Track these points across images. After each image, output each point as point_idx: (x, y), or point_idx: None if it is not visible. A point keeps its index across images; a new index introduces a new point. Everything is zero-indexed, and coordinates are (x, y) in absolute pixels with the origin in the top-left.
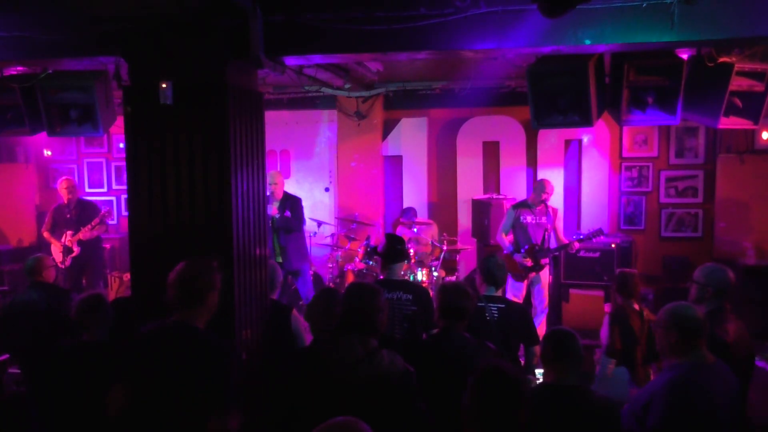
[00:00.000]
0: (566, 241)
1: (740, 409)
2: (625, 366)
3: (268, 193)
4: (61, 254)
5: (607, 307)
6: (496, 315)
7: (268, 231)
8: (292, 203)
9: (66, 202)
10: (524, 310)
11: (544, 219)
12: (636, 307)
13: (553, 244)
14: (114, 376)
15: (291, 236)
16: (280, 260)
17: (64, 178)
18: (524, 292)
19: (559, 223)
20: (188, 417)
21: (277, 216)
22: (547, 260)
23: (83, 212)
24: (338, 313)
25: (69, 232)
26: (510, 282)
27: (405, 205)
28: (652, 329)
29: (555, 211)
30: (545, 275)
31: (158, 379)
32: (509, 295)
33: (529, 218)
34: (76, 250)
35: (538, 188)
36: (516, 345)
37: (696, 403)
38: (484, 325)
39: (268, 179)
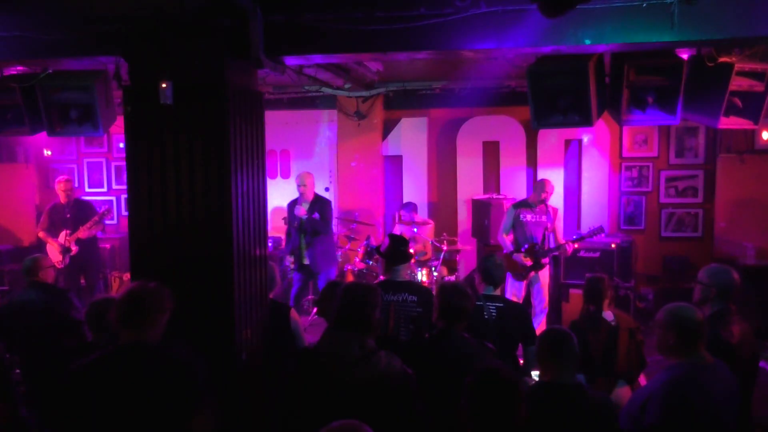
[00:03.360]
0: (562, 241)
1: (741, 409)
2: (583, 375)
3: (298, 195)
4: (59, 254)
5: None
6: (494, 314)
7: (294, 232)
8: (322, 205)
9: (63, 201)
10: (523, 310)
11: (544, 218)
12: (606, 315)
13: (553, 244)
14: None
15: (318, 239)
16: (307, 262)
17: (62, 177)
18: (524, 292)
19: (559, 223)
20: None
21: (305, 217)
22: (547, 259)
23: (80, 212)
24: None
25: (66, 231)
26: (510, 281)
27: None
28: (617, 338)
29: (555, 210)
30: (545, 275)
31: (123, 405)
32: (509, 295)
33: (529, 217)
34: (74, 249)
35: (538, 188)
36: (514, 344)
37: (694, 403)
38: (482, 324)
39: (297, 181)
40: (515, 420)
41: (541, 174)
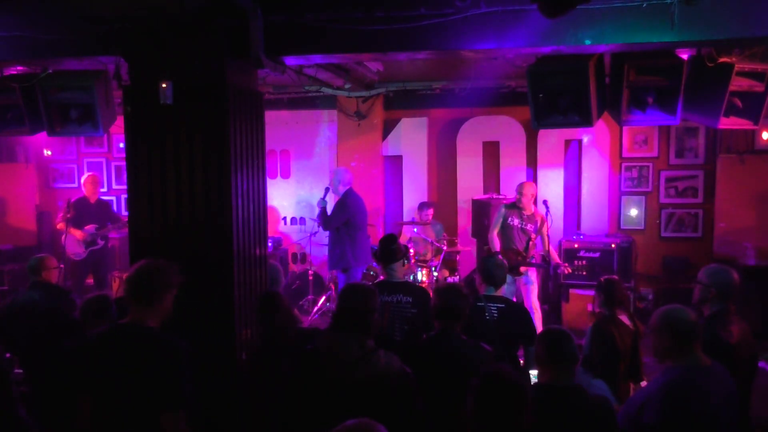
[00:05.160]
0: (558, 260)
1: (740, 410)
2: (604, 380)
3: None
4: (78, 245)
5: (591, 307)
6: (495, 315)
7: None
8: (338, 202)
9: (89, 196)
10: (524, 310)
11: (530, 227)
12: (623, 318)
13: (538, 253)
14: (72, 385)
15: (331, 235)
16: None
17: (90, 173)
18: (511, 290)
19: (544, 230)
20: (142, 416)
21: (318, 206)
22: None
23: (104, 210)
24: None
25: (94, 226)
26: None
27: (405, 205)
28: (638, 342)
29: (543, 219)
30: (533, 277)
31: (111, 381)
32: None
33: (515, 221)
34: (99, 243)
35: (517, 190)
36: (516, 345)
37: (691, 405)
38: (484, 325)
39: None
40: (521, 424)
41: (541, 174)
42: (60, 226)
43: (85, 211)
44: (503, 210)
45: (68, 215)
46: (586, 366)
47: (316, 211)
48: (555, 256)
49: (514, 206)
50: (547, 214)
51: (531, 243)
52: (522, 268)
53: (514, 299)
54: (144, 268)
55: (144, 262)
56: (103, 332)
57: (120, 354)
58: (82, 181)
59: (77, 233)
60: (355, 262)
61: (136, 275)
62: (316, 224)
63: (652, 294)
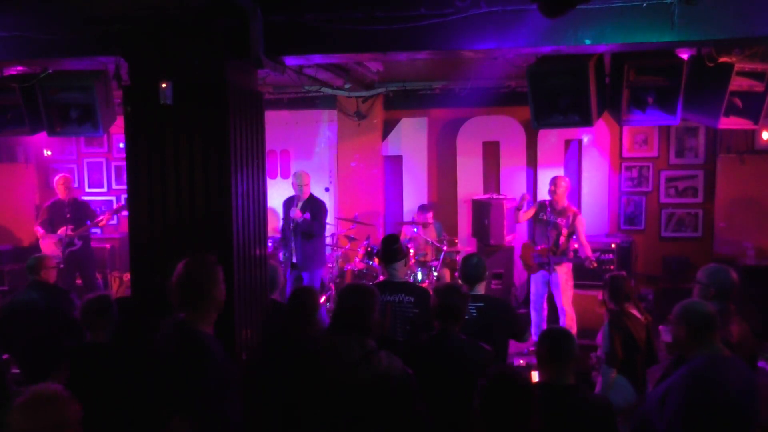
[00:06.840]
0: (590, 255)
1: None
2: (624, 373)
3: (294, 194)
4: (55, 248)
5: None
6: (474, 314)
7: (288, 231)
8: (314, 206)
9: (63, 198)
10: (505, 306)
11: (560, 221)
12: (633, 311)
13: (572, 249)
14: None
15: (311, 241)
16: (295, 260)
17: (61, 174)
18: (543, 289)
19: (577, 225)
20: (155, 416)
21: (299, 220)
22: (559, 262)
23: (78, 211)
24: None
25: (69, 227)
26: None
27: (405, 205)
28: (650, 332)
29: (576, 213)
30: (564, 277)
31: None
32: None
33: (547, 216)
34: (77, 243)
35: (550, 183)
36: (502, 342)
37: (712, 394)
38: (464, 324)
39: (296, 180)
40: (530, 424)
41: (541, 174)
42: (36, 230)
43: (60, 213)
44: (538, 205)
45: (41, 219)
46: (610, 362)
47: (292, 225)
48: (587, 250)
49: (548, 202)
50: (549, 213)
51: (562, 238)
52: (553, 266)
53: (545, 297)
54: (184, 272)
55: (185, 264)
56: (164, 333)
57: (163, 354)
58: (55, 182)
59: (49, 237)
60: (312, 263)
61: (179, 280)
62: (295, 236)
63: (652, 294)
